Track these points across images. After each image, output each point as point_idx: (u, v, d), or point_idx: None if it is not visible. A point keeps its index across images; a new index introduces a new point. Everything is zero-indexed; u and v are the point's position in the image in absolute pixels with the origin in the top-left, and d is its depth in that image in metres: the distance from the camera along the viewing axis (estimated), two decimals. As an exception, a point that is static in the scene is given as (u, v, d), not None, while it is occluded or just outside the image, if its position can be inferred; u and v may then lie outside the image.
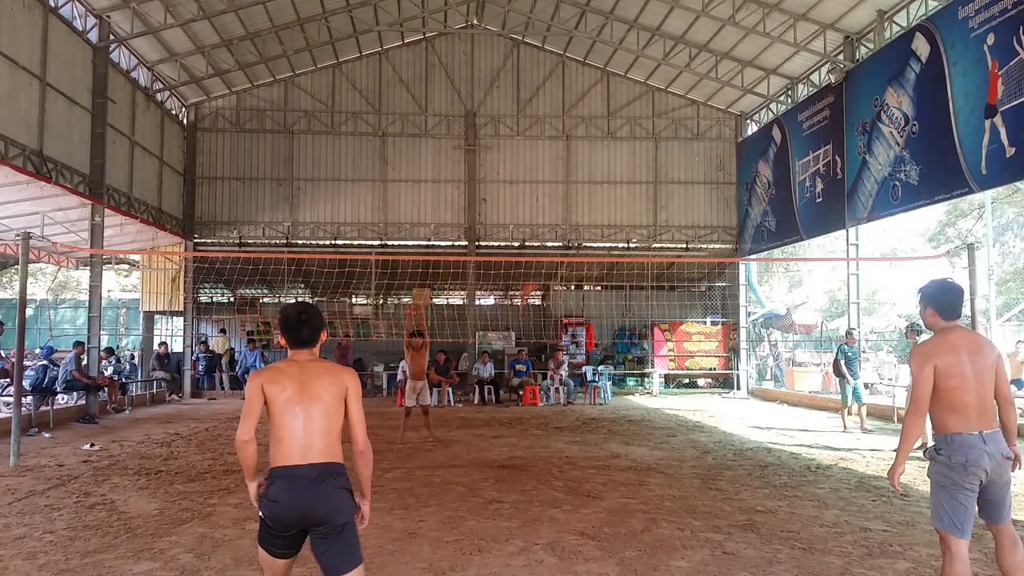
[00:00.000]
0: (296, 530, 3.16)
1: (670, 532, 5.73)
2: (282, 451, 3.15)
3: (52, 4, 12.62)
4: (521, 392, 17.17)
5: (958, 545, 3.66)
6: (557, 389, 17.37)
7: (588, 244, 20.63)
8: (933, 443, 3.80)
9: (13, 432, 8.70)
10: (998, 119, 10.78)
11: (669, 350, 20.79)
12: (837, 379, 12.39)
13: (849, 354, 12.00)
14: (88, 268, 16.69)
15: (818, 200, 16.43)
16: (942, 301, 3.87)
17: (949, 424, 3.70)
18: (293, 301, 3.50)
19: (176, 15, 15.23)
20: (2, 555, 5.12)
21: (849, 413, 12.22)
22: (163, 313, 21.04)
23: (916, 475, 8.25)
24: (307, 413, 3.18)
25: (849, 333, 12.72)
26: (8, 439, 8.89)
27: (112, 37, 14.68)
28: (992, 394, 3.74)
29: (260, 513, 3.17)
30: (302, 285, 22.03)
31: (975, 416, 3.67)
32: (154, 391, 17.43)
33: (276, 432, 3.18)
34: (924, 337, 10.75)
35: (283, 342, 3.37)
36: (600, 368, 18.35)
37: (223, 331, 20.39)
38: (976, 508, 3.78)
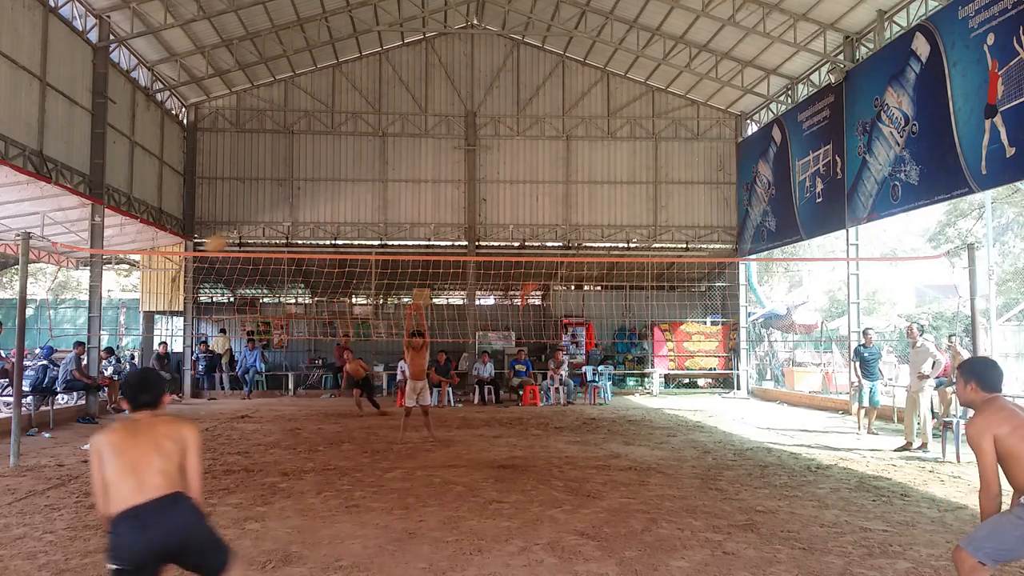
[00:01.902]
0: (152, 568, 3.05)
1: (670, 532, 5.73)
2: (120, 495, 3.00)
3: (52, 4, 12.61)
4: (521, 392, 17.15)
5: (983, 572, 3.57)
6: (557, 389, 17.36)
7: (588, 244, 20.62)
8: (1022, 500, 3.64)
9: (13, 432, 8.70)
10: (998, 119, 10.78)
11: (669, 350, 20.79)
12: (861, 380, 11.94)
13: (866, 355, 11.68)
14: (88, 268, 16.69)
15: (818, 200, 16.42)
16: (985, 376, 3.81)
17: None
18: (139, 368, 3.55)
19: (176, 15, 15.23)
20: (2, 555, 5.12)
21: (863, 414, 12.02)
22: (163, 313, 21.05)
23: (916, 475, 8.26)
24: (142, 453, 3.09)
25: (866, 333, 12.20)
26: (8, 439, 8.89)
27: (112, 37, 14.68)
28: None
29: (110, 565, 3.00)
30: (302, 285, 22.03)
31: None
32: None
33: (112, 477, 3.04)
34: (924, 337, 10.76)
35: (125, 406, 3.31)
36: (600, 368, 18.33)
37: (223, 331, 20.39)
38: None
